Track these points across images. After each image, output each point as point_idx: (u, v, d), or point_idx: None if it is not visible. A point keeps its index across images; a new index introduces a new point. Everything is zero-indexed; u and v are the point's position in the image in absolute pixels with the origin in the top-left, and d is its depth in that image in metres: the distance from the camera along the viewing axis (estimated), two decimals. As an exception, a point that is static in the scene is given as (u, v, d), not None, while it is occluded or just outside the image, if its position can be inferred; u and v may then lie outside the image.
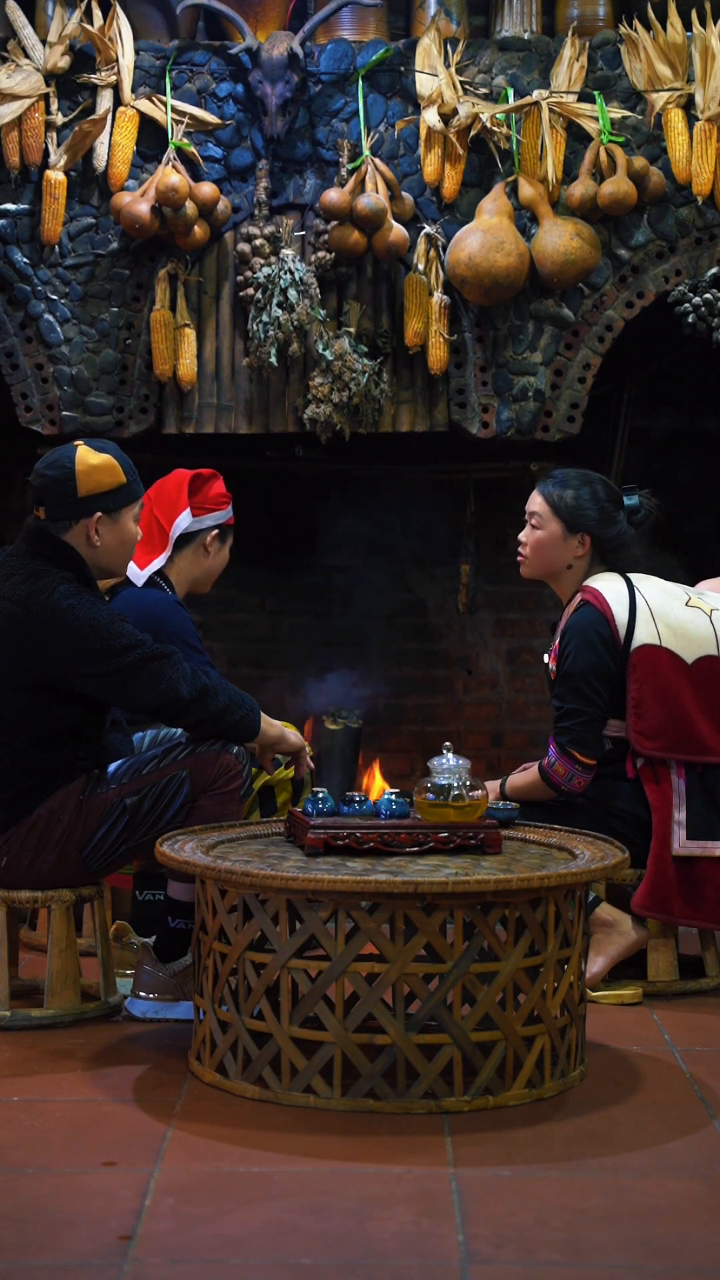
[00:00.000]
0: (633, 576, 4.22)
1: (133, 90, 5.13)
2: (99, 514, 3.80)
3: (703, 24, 5.15)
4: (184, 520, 4.47)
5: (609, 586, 4.18)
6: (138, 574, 4.42)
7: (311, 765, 4.07)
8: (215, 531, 4.55)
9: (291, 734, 3.96)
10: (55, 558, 3.76)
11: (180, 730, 3.88)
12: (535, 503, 4.28)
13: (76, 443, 3.87)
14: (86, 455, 3.80)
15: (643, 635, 4.11)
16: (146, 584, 4.44)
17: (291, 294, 5.02)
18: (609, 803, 4.18)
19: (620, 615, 4.13)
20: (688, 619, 4.16)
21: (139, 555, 4.42)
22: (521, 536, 4.32)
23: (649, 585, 4.21)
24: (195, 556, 4.54)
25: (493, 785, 4.20)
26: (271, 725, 3.89)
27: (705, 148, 5.10)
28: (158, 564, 4.44)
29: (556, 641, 4.25)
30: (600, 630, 4.11)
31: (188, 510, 4.47)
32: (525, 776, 4.20)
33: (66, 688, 3.71)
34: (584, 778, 4.10)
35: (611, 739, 4.16)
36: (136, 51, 5.15)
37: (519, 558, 4.35)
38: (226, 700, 3.76)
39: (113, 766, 3.81)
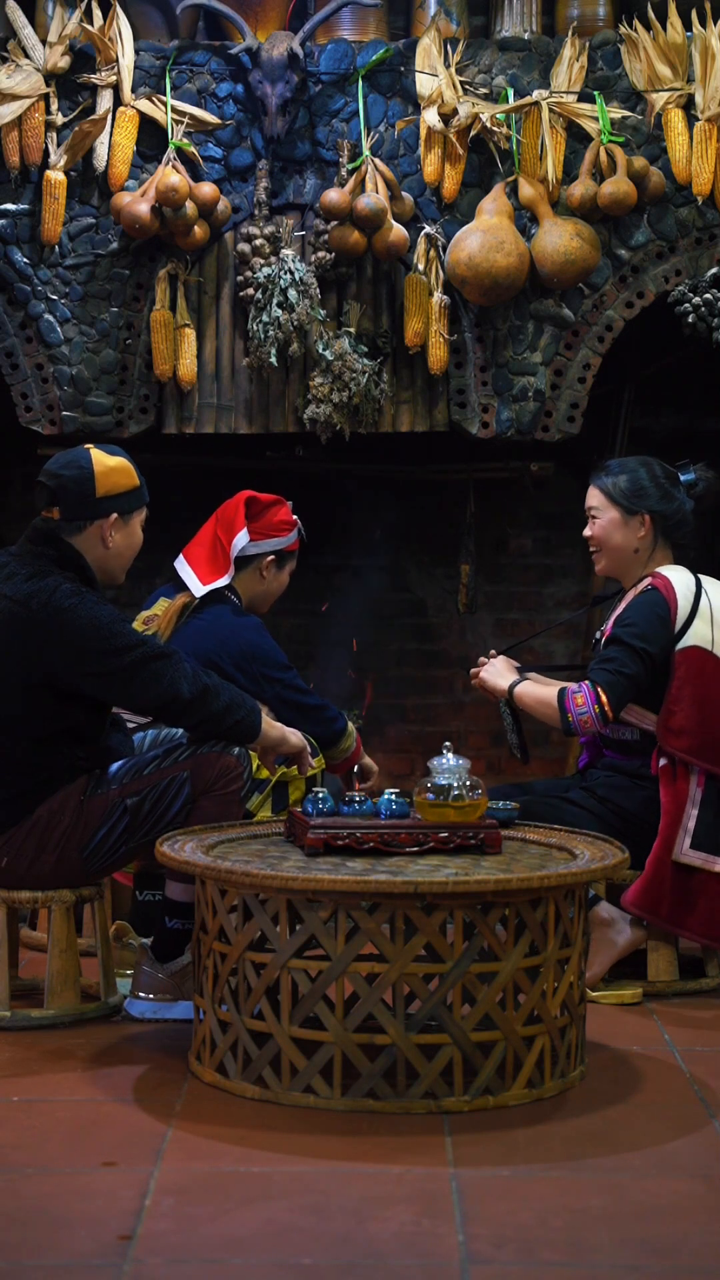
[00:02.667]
0: (703, 577, 4.23)
1: (133, 90, 5.13)
2: (114, 515, 3.81)
3: (703, 24, 5.15)
4: (241, 540, 4.52)
5: (678, 578, 4.18)
6: (199, 587, 4.46)
7: (311, 765, 4.07)
8: (272, 557, 4.59)
9: (293, 735, 3.96)
10: (60, 559, 3.76)
11: (181, 731, 3.88)
12: (592, 496, 4.31)
13: (87, 446, 3.88)
14: (102, 457, 3.82)
15: (696, 634, 4.10)
16: (214, 596, 4.49)
17: (291, 294, 5.02)
18: (616, 802, 4.18)
19: (683, 608, 4.13)
20: None
21: (204, 571, 4.48)
22: (586, 533, 4.33)
23: (715, 588, 4.21)
24: (252, 578, 4.60)
25: (503, 683, 4.22)
26: (273, 727, 3.89)
27: (705, 148, 5.10)
28: (221, 583, 4.50)
29: (613, 619, 4.21)
30: (662, 612, 4.12)
31: (245, 531, 4.53)
32: (540, 688, 4.18)
33: (68, 687, 3.71)
34: (595, 721, 4.04)
35: (641, 730, 4.15)
36: (136, 51, 5.15)
37: (592, 555, 4.36)
38: (228, 700, 3.76)
39: (113, 767, 3.81)
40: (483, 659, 4.39)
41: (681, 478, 4.29)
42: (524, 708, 4.20)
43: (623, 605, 4.23)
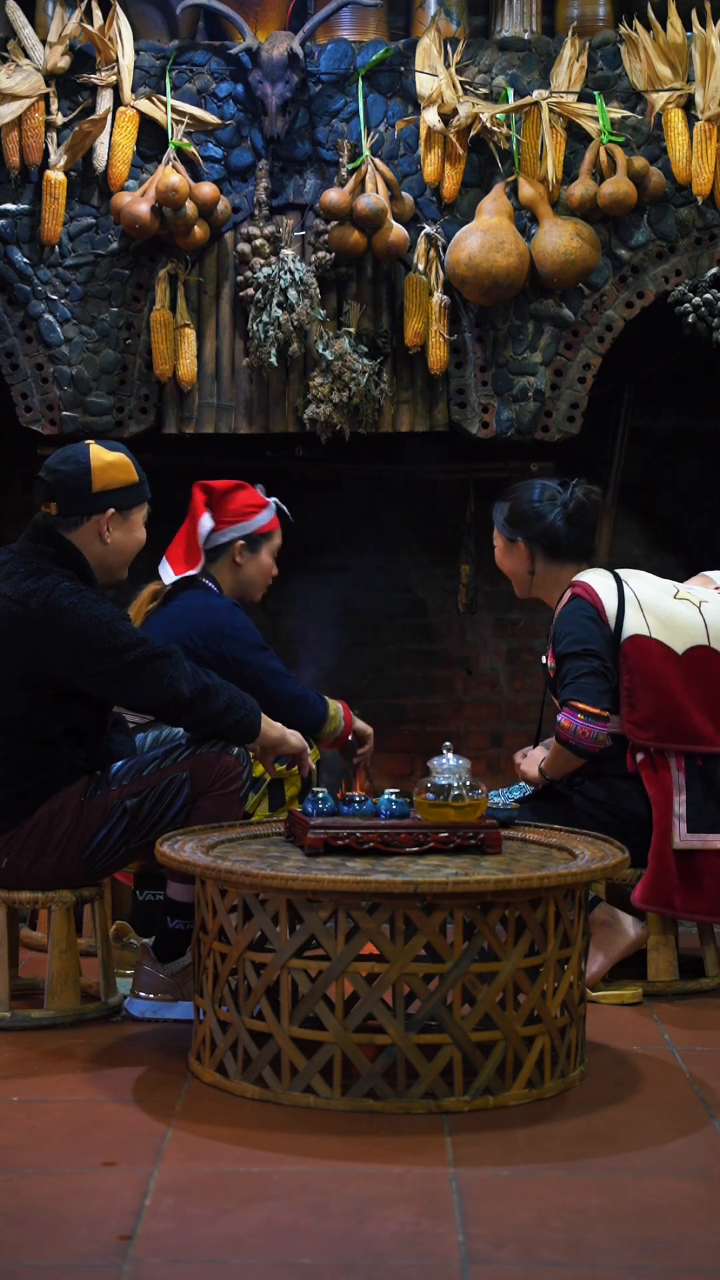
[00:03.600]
0: (621, 571, 4.29)
1: (133, 90, 5.13)
2: (111, 510, 3.80)
3: (703, 24, 5.14)
4: (205, 527, 4.53)
5: (597, 580, 4.24)
6: (171, 576, 4.46)
7: (312, 766, 4.07)
8: (242, 542, 4.58)
9: (293, 736, 3.96)
10: (58, 556, 3.75)
11: (182, 731, 3.88)
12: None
13: (88, 442, 3.88)
14: (101, 452, 3.82)
15: (633, 625, 4.15)
16: (186, 583, 4.48)
17: (291, 294, 5.02)
18: (610, 802, 4.18)
19: (610, 605, 4.17)
20: (677, 610, 4.21)
21: (178, 565, 4.48)
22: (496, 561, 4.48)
23: (637, 579, 4.27)
24: (227, 566, 4.60)
25: (535, 774, 4.26)
26: (273, 727, 3.89)
27: (705, 148, 5.10)
28: (192, 572, 4.51)
29: (549, 651, 4.27)
30: (590, 614, 4.16)
31: (207, 517, 4.53)
32: (549, 752, 4.22)
33: (68, 687, 3.71)
34: (590, 728, 4.05)
35: (611, 735, 4.17)
36: (136, 51, 5.15)
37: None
38: (227, 700, 3.76)
39: (114, 768, 3.81)
40: (519, 756, 4.43)
41: (560, 496, 4.34)
42: (557, 773, 4.23)
43: (553, 624, 4.27)
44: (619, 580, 4.23)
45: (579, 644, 4.13)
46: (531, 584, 4.38)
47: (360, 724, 4.65)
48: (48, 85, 5.08)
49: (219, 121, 5.18)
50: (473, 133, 5.12)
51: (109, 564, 3.84)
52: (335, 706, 4.57)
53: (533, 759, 4.33)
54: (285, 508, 4.70)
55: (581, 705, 4.06)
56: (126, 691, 3.73)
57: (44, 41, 5.09)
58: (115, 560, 3.85)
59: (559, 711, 4.12)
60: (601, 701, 4.07)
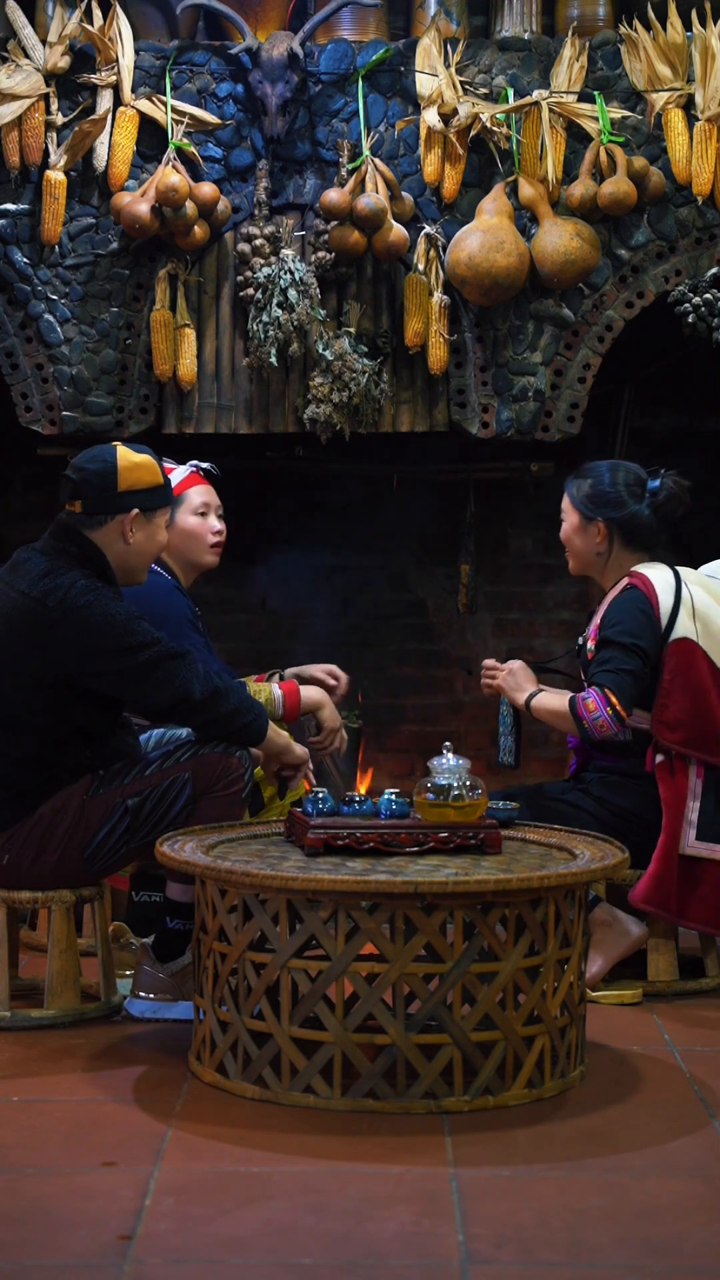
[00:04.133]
0: (682, 570, 4.25)
1: (133, 90, 5.13)
2: (135, 511, 3.80)
3: (703, 24, 5.14)
4: None
5: (657, 574, 4.20)
6: None
7: (312, 780, 4.07)
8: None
9: (297, 747, 3.96)
10: (80, 556, 3.76)
11: (185, 731, 3.89)
12: (563, 499, 4.37)
13: (114, 443, 3.89)
14: (128, 453, 3.82)
15: (683, 628, 4.13)
16: None
17: (291, 294, 5.02)
18: (613, 801, 4.18)
19: (665, 602, 4.15)
20: None
21: None
22: (561, 533, 4.40)
23: (695, 582, 4.24)
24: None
25: (521, 696, 4.24)
26: (279, 734, 3.90)
27: (705, 148, 5.10)
28: None
29: (596, 621, 4.24)
30: (645, 608, 4.14)
31: None
32: (554, 699, 4.19)
33: (81, 685, 3.71)
34: (610, 723, 4.05)
35: (634, 730, 4.16)
36: (136, 51, 5.15)
37: (567, 555, 4.42)
38: (236, 703, 3.77)
39: (116, 767, 3.81)
40: (492, 662, 4.39)
41: (649, 484, 4.31)
42: (538, 719, 4.22)
43: (604, 606, 4.25)
44: (678, 580, 4.21)
45: (631, 637, 4.11)
46: (594, 564, 4.33)
47: (320, 710, 4.35)
48: (48, 85, 5.08)
49: (219, 121, 5.18)
50: (473, 133, 5.12)
51: (130, 565, 3.84)
52: (262, 691, 4.24)
53: (519, 682, 4.29)
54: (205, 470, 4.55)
55: (615, 701, 4.05)
56: (139, 691, 3.73)
57: (44, 41, 5.09)
58: (137, 562, 3.85)
59: (589, 687, 4.10)
60: (631, 706, 4.07)
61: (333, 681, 4.52)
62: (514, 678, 4.31)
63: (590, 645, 4.24)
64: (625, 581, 4.23)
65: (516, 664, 4.34)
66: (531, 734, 5.91)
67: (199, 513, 4.45)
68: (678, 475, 4.34)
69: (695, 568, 4.69)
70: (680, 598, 4.17)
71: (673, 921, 4.12)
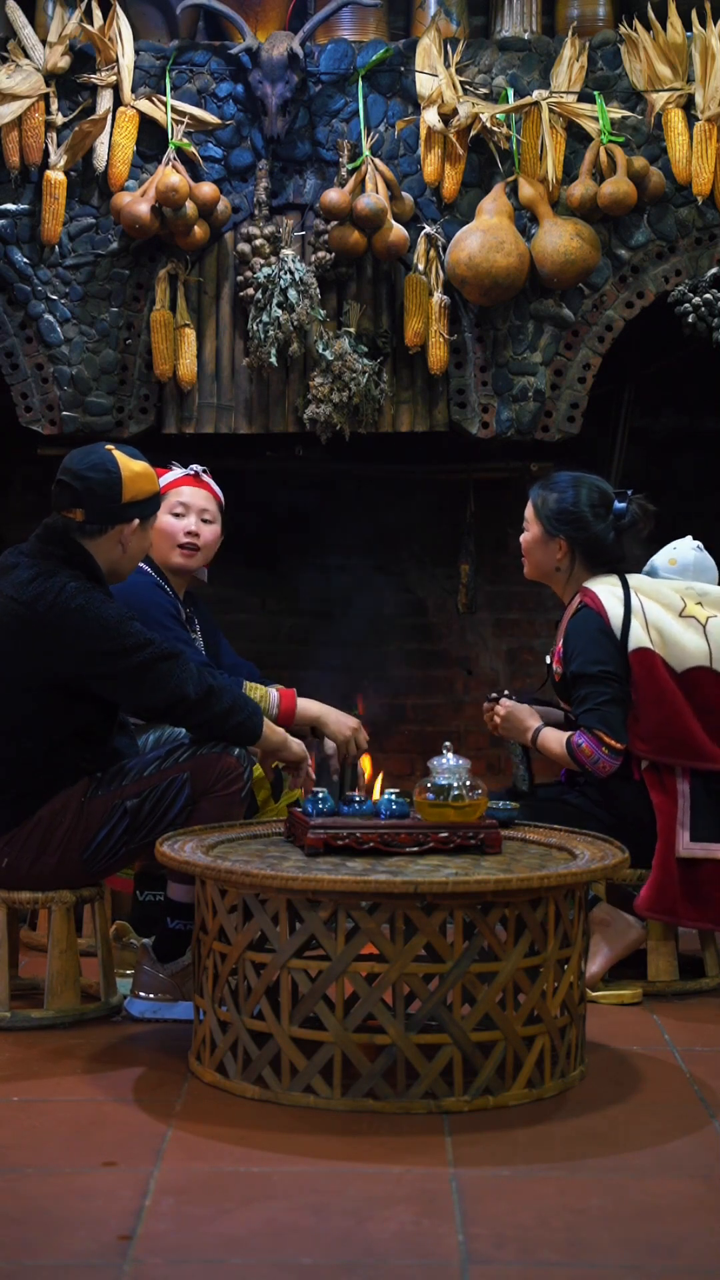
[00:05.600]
0: (631, 579, 4.24)
1: (133, 90, 5.13)
2: (136, 521, 3.80)
3: (703, 24, 5.14)
4: None
5: (605, 589, 4.20)
6: None
7: (312, 777, 4.07)
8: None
9: (294, 743, 3.96)
10: (68, 559, 3.75)
11: (183, 731, 3.89)
12: (527, 506, 4.36)
13: (108, 446, 3.84)
14: (128, 461, 3.79)
15: (637, 638, 4.14)
16: None
17: (291, 294, 5.02)
18: (612, 803, 4.18)
19: (615, 615, 4.15)
20: (680, 630, 4.17)
21: None
22: (521, 538, 4.38)
23: (646, 591, 4.23)
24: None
25: (525, 736, 4.24)
26: (275, 732, 3.90)
27: (705, 148, 5.10)
28: None
29: (559, 643, 4.26)
30: (601, 626, 4.14)
31: None
32: (554, 742, 4.19)
33: (76, 688, 3.71)
34: (610, 762, 4.07)
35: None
36: (136, 51, 5.15)
37: (522, 559, 4.41)
38: (230, 702, 3.77)
39: (115, 768, 3.81)
40: (491, 704, 4.37)
41: (615, 506, 4.30)
42: (546, 755, 4.22)
43: (562, 628, 4.26)
44: (627, 590, 4.21)
45: (597, 665, 4.11)
46: (552, 577, 4.34)
47: (327, 729, 4.37)
48: (48, 85, 5.08)
49: (219, 121, 5.17)
50: (473, 133, 5.12)
51: (120, 569, 3.85)
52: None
53: (518, 722, 4.27)
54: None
55: (607, 740, 4.06)
56: (134, 693, 3.73)
57: (44, 41, 5.09)
58: (127, 566, 3.87)
59: (579, 731, 4.10)
60: (623, 735, 4.08)
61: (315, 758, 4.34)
62: (510, 722, 4.31)
63: (556, 667, 4.25)
64: (578, 600, 4.24)
65: (509, 705, 4.32)
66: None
67: (175, 512, 4.41)
68: (644, 499, 4.33)
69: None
70: (630, 607, 4.16)
71: (681, 926, 4.12)
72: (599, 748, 4.07)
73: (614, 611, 4.16)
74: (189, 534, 4.41)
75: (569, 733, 4.15)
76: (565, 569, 4.31)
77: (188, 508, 4.43)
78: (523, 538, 4.37)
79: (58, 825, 3.74)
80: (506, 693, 4.40)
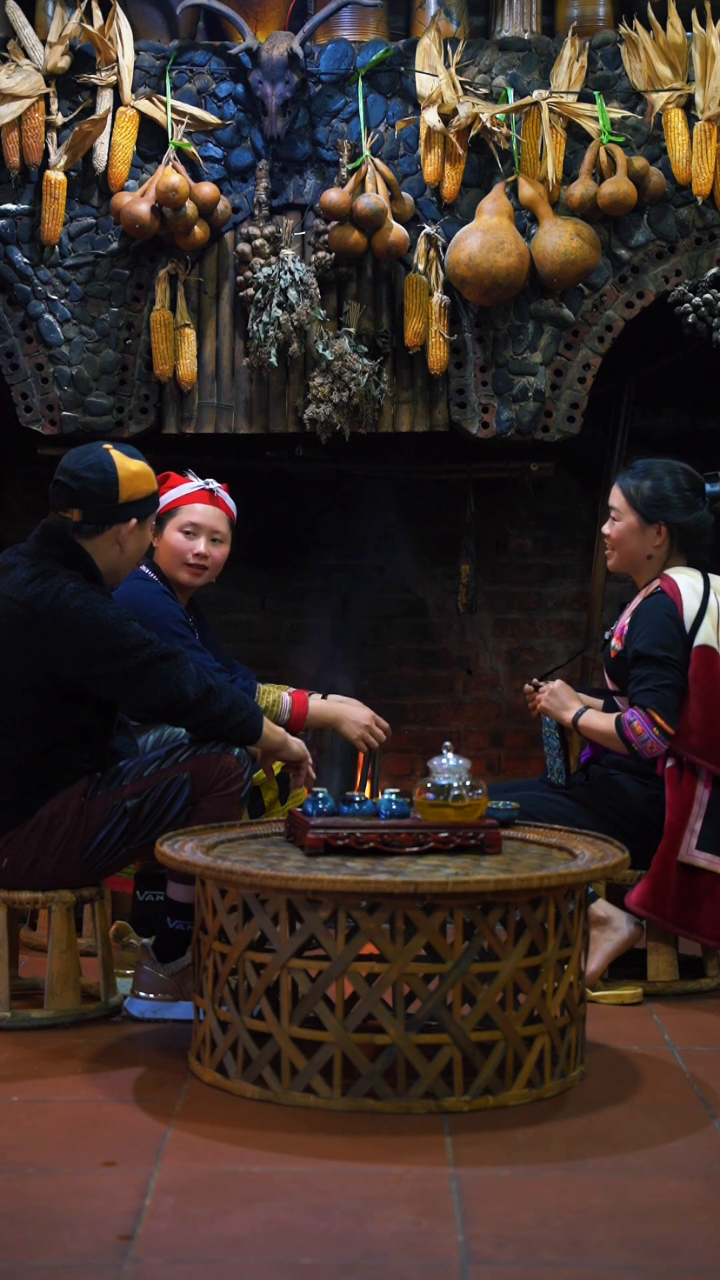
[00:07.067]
0: (714, 577, 4.23)
1: (133, 90, 5.13)
2: (134, 521, 3.79)
3: (703, 24, 5.14)
4: None
5: (686, 580, 4.18)
6: None
7: (313, 775, 4.06)
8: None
9: (294, 742, 3.96)
10: (66, 559, 3.75)
11: (183, 731, 3.89)
12: (614, 497, 4.31)
13: (105, 446, 3.83)
14: (125, 461, 3.78)
15: (705, 635, 4.12)
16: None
17: (291, 294, 5.02)
18: (617, 800, 4.18)
19: (691, 607, 4.13)
20: None
21: None
22: (605, 530, 4.34)
23: None
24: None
25: (568, 715, 4.21)
26: (275, 731, 3.90)
27: (705, 148, 5.10)
28: None
29: (624, 620, 4.23)
30: (672, 614, 4.12)
31: None
32: (600, 720, 4.17)
33: (75, 688, 3.71)
34: (659, 743, 4.04)
35: None
36: (136, 51, 5.15)
37: (607, 552, 4.37)
38: (230, 702, 3.76)
39: (115, 768, 3.81)
40: (533, 686, 4.35)
41: (708, 489, 4.28)
42: (587, 736, 4.21)
43: (631, 607, 4.24)
44: (708, 587, 4.19)
45: (663, 650, 4.09)
46: (643, 565, 4.27)
47: (343, 730, 4.43)
48: (48, 85, 5.08)
49: (219, 121, 5.18)
50: (473, 133, 5.12)
51: (118, 569, 3.85)
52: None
53: (563, 701, 4.26)
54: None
55: (660, 721, 4.04)
56: (133, 693, 3.72)
57: (44, 41, 5.09)
58: (124, 566, 3.86)
59: (632, 708, 4.08)
60: (675, 721, 4.06)
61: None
62: (556, 698, 4.28)
63: (615, 644, 4.23)
64: (655, 585, 4.21)
65: (557, 684, 4.30)
66: (534, 734, 5.91)
67: (185, 531, 4.36)
68: None
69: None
70: (707, 606, 4.15)
71: (667, 929, 4.11)
72: (650, 727, 4.04)
73: (689, 603, 4.14)
74: (198, 555, 4.37)
75: (617, 712, 4.14)
76: (659, 557, 4.25)
77: (198, 528, 4.38)
78: (612, 529, 4.29)
79: (58, 825, 3.74)
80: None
